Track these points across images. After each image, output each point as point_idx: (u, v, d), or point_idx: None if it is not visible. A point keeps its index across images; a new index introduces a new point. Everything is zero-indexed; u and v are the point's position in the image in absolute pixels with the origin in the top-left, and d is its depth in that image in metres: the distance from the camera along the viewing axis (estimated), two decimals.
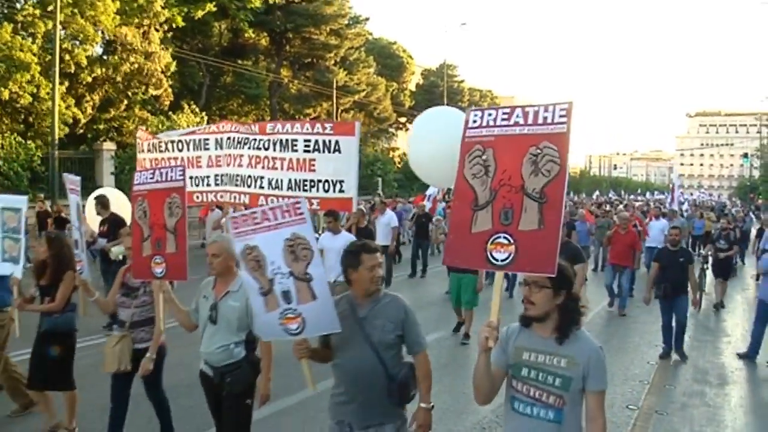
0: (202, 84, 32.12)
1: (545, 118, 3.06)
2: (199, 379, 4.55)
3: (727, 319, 12.32)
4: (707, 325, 11.71)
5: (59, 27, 20.65)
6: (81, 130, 24.95)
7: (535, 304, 2.93)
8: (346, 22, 38.15)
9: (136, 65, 24.47)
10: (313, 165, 8.60)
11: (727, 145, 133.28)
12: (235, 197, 9.33)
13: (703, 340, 10.51)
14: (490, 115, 3.24)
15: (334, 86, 34.81)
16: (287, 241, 3.61)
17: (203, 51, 32.20)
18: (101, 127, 25.92)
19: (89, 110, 24.43)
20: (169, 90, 26.48)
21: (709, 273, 14.12)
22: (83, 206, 8.46)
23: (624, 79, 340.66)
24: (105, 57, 25.25)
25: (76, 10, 22.06)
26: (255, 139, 9.03)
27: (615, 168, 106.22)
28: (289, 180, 8.70)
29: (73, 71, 22.70)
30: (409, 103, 50.01)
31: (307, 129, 8.70)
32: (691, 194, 68.74)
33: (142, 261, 4.80)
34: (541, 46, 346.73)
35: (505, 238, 3.01)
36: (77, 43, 23.29)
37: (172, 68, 26.42)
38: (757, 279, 10.94)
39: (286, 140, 8.72)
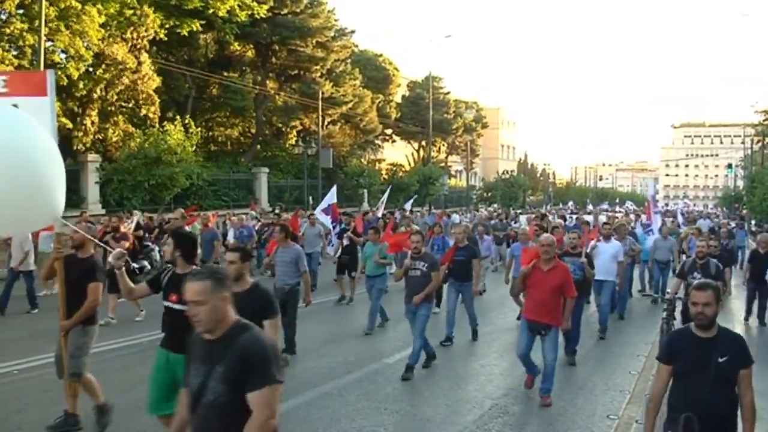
0: (188, 96, 32.06)
1: None
2: None
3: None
4: None
5: (44, 38, 20.59)
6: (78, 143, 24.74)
7: None
8: (332, 34, 38.28)
9: (127, 82, 24.47)
10: None
11: (711, 155, 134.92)
12: None
13: None
14: None
15: (320, 98, 34.84)
16: None
17: (189, 63, 32.18)
18: (88, 139, 25.79)
19: (89, 125, 24.25)
20: (157, 106, 26.45)
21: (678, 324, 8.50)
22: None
23: (609, 91, 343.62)
24: (91, 69, 25.13)
25: (61, 24, 22.01)
26: None
27: (600, 179, 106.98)
28: None
29: (65, 84, 22.63)
30: (395, 114, 50.22)
31: None
32: (676, 204, 69.35)
33: None
34: (526, 57, 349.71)
35: None
36: (65, 56, 23.20)
37: (160, 87, 26.45)
38: None
39: None
